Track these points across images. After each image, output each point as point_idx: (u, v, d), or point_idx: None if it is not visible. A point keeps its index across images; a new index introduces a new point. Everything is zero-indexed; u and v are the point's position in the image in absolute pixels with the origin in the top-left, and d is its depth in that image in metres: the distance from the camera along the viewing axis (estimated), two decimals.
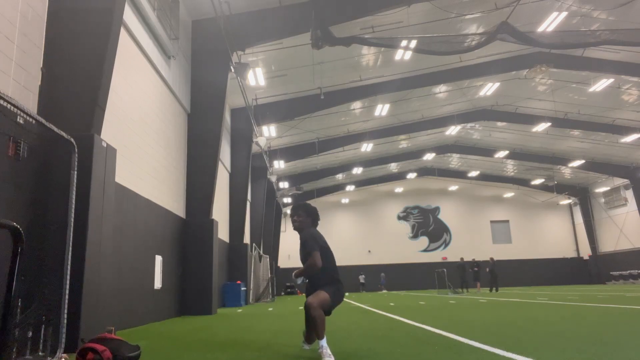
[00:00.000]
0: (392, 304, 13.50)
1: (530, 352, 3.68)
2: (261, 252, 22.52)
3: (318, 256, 3.99)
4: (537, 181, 34.37)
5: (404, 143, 28.23)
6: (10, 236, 1.61)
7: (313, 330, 3.78)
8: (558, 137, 26.16)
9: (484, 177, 35.93)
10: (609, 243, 33.68)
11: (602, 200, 34.21)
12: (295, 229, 4.26)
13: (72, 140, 4.56)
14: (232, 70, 12.31)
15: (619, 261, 32.40)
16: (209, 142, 11.97)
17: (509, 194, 37.53)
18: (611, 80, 18.72)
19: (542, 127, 22.31)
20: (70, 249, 4.38)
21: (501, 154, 28.38)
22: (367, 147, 25.17)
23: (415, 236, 37.36)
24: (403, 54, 15.62)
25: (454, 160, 34.11)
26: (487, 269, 23.29)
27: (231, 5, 11.50)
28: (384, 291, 33.02)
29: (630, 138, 23.31)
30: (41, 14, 5.50)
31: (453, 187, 37.44)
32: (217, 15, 10.49)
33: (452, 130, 25.92)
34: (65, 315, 4.21)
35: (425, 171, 35.92)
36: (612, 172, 30.13)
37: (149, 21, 9.04)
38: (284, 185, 28.75)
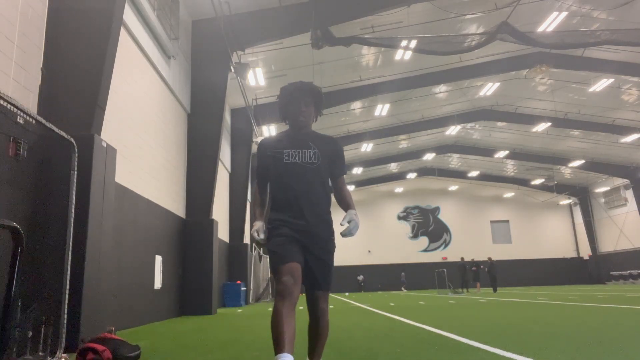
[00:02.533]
0: (392, 304, 13.50)
1: (530, 352, 3.68)
2: (261, 252, 22.52)
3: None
4: (537, 181, 34.36)
5: (404, 143, 28.22)
6: (10, 236, 1.61)
7: (319, 344, 2.58)
8: (558, 137, 26.16)
9: (484, 177, 35.92)
10: (609, 243, 33.67)
11: (602, 200, 34.20)
12: (301, 125, 2.62)
13: (72, 140, 4.56)
14: (232, 70, 12.31)
15: (619, 261, 32.39)
16: (209, 142, 11.97)
17: (509, 194, 37.53)
18: (611, 80, 18.72)
19: (542, 127, 22.32)
20: (70, 249, 4.38)
21: (501, 154, 28.37)
22: (367, 147, 25.17)
23: (415, 236, 37.36)
24: (403, 54, 15.62)
25: (454, 160, 34.10)
26: (485, 269, 23.28)
27: (231, 5, 11.51)
28: (404, 290, 32.79)
29: (630, 138, 23.31)
30: (41, 14, 5.50)
31: (453, 187, 37.44)
32: (217, 15, 10.49)
33: (452, 130, 25.93)
34: (65, 315, 4.21)
35: (425, 171, 35.91)
36: (612, 172, 30.13)
37: (149, 21, 9.04)
38: None
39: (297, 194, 2.49)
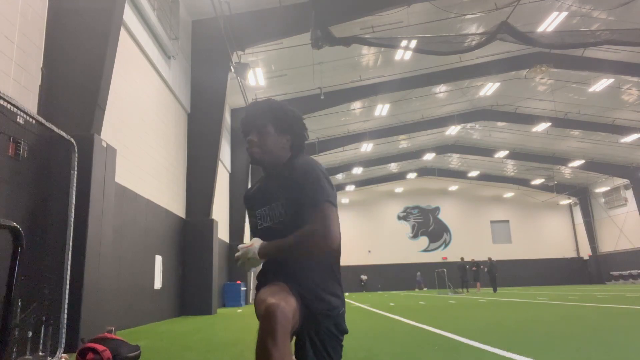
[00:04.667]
0: (392, 304, 13.50)
1: (530, 352, 3.68)
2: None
3: (335, 214, 1.72)
4: (537, 181, 34.35)
5: (404, 143, 28.22)
6: (10, 236, 1.61)
7: None
8: (558, 137, 26.16)
9: (484, 177, 35.92)
10: (609, 243, 33.67)
11: (602, 200, 34.19)
12: (262, 163, 1.91)
13: (72, 140, 4.56)
14: (232, 70, 12.30)
15: (619, 261, 32.38)
16: (209, 142, 11.97)
17: (509, 194, 37.52)
18: (611, 80, 18.71)
19: (542, 127, 22.31)
20: (70, 249, 4.38)
21: (501, 154, 28.37)
22: (367, 147, 25.17)
23: (415, 236, 37.35)
24: (403, 54, 15.61)
25: (454, 160, 34.09)
26: (485, 269, 23.29)
27: (231, 5, 11.50)
28: (417, 289, 32.58)
29: (630, 138, 23.30)
30: (41, 14, 5.50)
31: (453, 187, 37.43)
32: (217, 15, 10.49)
33: (452, 130, 25.92)
34: (65, 315, 4.21)
35: (425, 171, 35.91)
36: (612, 172, 30.12)
37: (149, 21, 9.04)
38: None
39: (278, 268, 1.79)
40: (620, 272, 32.24)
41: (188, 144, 11.94)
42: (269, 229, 1.82)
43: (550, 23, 14.23)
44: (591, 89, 19.48)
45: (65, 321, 4.19)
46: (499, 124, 25.49)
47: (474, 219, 37.44)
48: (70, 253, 4.36)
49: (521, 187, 36.90)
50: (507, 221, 37.71)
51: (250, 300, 18.27)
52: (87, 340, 4.11)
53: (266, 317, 1.42)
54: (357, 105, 21.01)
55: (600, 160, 29.21)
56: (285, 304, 1.47)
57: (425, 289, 32.78)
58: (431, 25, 14.57)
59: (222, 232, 16.18)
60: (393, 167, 34.03)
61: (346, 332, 1.81)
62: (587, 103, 21.68)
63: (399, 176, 35.84)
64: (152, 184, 9.24)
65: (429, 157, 29.89)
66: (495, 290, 22.47)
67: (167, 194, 10.26)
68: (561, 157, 29.44)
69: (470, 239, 36.55)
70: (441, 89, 21.10)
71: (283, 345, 1.39)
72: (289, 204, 1.78)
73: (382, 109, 20.55)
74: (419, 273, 34.06)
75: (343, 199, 36.96)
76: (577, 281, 36.26)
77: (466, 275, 23.41)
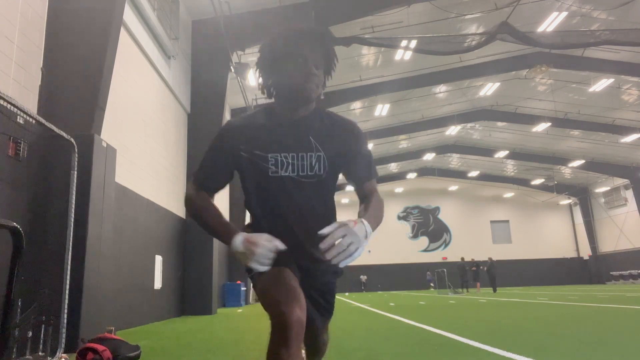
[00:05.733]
0: (392, 304, 13.50)
1: (530, 352, 3.68)
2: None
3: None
4: (537, 181, 34.36)
5: (404, 143, 28.22)
6: (10, 236, 1.61)
7: None
8: (558, 137, 26.16)
9: (484, 177, 35.91)
10: (609, 243, 33.66)
11: (602, 200, 34.19)
12: (306, 101, 1.63)
13: (72, 140, 4.56)
14: (232, 70, 12.31)
15: (619, 261, 32.38)
16: (208, 142, 11.96)
17: (509, 194, 37.52)
18: (611, 80, 18.71)
19: (542, 127, 22.32)
20: (70, 249, 4.38)
21: (501, 154, 28.38)
22: None
23: (415, 236, 37.35)
24: (403, 54, 15.62)
25: (454, 160, 34.09)
26: (485, 269, 23.29)
27: (231, 5, 11.50)
28: (432, 288, 32.61)
29: (630, 138, 23.30)
30: (41, 14, 5.50)
31: (453, 187, 37.43)
32: (217, 15, 10.49)
33: (452, 130, 25.93)
34: (65, 315, 4.21)
35: (425, 171, 35.90)
36: (612, 172, 30.12)
37: (149, 21, 9.04)
38: None
39: (290, 225, 1.61)
40: (620, 272, 32.24)
41: (188, 144, 11.94)
42: (291, 180, 1.58)
43: (550, 23, 14.25)
44: (591, 89, 19.48)
45: (65, 321, 4.19)
46: (499, 124, 25.49)
47: (474, 219, 37.44)
48: (70, 253, 4.36)
49: (521, 187, 36.89)
50: (507, 221, 37.71)
51: (251, 300, 18.26)
52: (87, 340, 4.11)
53: (281, 327, 1.33)
54: (357, 105, 21.01)
55: (600, 160, 29.21)
56: (300, 310, 1.36)
57: (432, 288, 32.74)
58: (431, 25, 14.57)
59: None
60: (393, 167, 34.02)
61: (341, 273, 1.76)
62: (587, 103, 21.68)
63: (399, 176, 35.83)
64: (152, 184, 9.24)
65: (429, 157, 29.90)
66: (495, 290, 22.45)
67: (167, 194, 10.26)
68: (561, 157, 29.44)
69: (470, 239, 36.55)
70: (441, 89, 21.10)
71: (296, 355, 1.33)
72: (326, 162, 1.60)
73: (382, 109, 20.56)
74: (428, 272, 33.95)
75: (343, 199, 36.93)
76: (577, 281, 36.26)
77: (466, 275, 23.39)
